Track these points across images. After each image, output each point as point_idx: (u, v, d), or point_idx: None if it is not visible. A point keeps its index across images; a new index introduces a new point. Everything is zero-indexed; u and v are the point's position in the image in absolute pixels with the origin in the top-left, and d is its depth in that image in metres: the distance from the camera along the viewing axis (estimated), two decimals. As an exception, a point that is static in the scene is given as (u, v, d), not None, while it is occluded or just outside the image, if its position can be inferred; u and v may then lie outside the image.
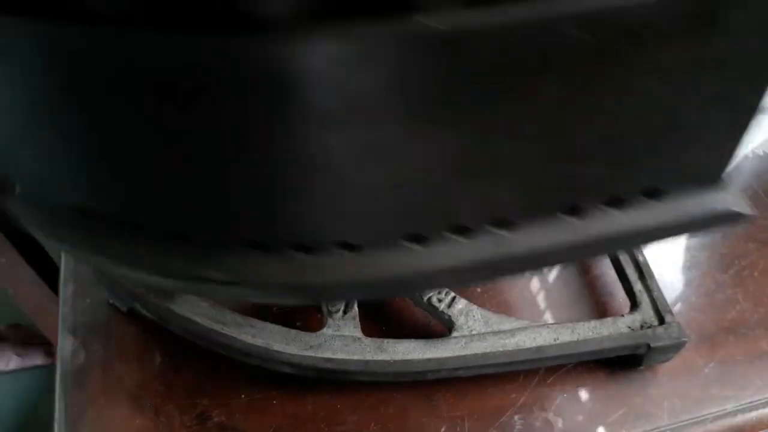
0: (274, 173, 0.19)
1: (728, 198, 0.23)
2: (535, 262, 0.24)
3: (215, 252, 0.22)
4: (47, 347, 0.93)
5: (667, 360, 0.35)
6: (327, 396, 0.34)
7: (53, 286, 0.65)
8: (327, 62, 0.16)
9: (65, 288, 0.39)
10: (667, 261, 0.39)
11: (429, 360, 0.32)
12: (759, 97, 0.20)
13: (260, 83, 0.16)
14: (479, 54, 0.17)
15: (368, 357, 0.32)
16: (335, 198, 0.20)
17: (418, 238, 0.22)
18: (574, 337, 0.33)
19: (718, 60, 0.19)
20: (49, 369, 0.93)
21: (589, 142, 0.20)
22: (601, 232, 0.23)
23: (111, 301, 0.38)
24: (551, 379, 0.34)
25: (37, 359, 0.94)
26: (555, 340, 0.33)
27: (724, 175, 0.23)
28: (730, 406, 0.33)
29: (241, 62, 0.16)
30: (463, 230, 0.22)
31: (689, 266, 0.39)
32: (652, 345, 0.33)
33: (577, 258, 0.34)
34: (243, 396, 0.34)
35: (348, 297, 0.32)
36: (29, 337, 0.94)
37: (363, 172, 0.19)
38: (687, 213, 0.23)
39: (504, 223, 0.22)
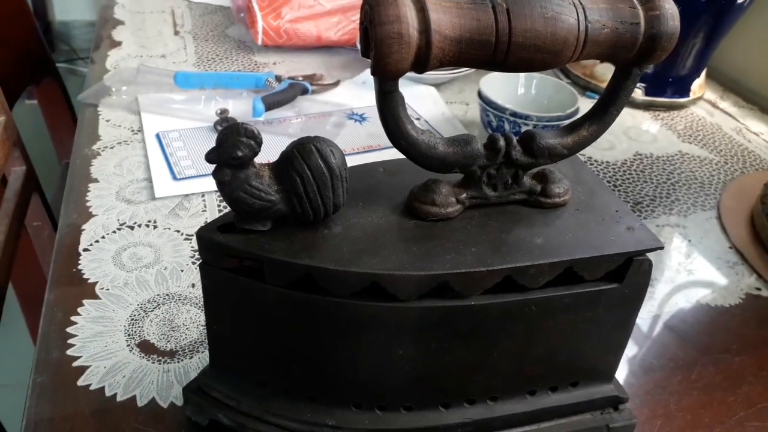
0: (378, 371, 0.37)
1: (614, 388, 0.42)
2: (504, 422, 0.41)
3: (331, 408, 0.39)
4: None
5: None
6: None
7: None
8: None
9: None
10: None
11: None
12: (626, 337, 0.39)
13: (377, 321, 0.35)
14: (484, 314, 0.35)
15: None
16: (407, 381, 0.38)
17: (445, 405, 0.39)
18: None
19: (600, 317, 0.38)
20: None
21: (539, 358, 0.39)
22: (543, 405, 0.40)
23: (192, 418, 0.43)
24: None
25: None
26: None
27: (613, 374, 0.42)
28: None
29: (379, 312, 0.34)
30: (471, 401, 0.39)
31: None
32: (610, 426, 0.43)
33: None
34: None
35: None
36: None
37: (419, 368, 0.37)
38: (591, 395, 0.41)
39: (493, 398, 0.39)
